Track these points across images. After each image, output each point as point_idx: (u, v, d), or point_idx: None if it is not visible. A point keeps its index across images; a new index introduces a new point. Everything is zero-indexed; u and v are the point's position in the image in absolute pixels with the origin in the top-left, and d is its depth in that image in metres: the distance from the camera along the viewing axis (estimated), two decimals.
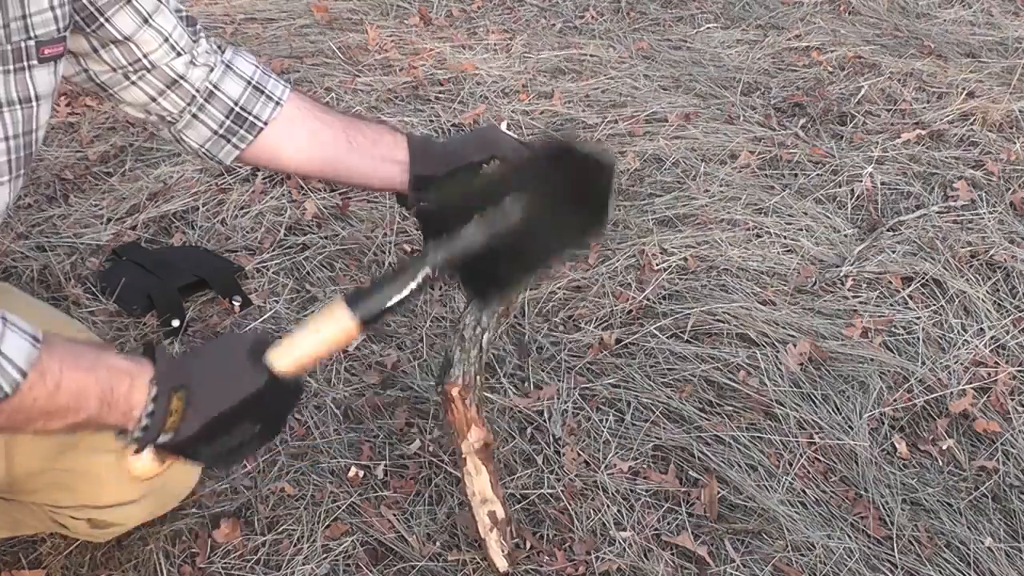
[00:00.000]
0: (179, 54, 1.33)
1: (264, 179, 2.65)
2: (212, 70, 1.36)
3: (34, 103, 1.17)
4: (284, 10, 3.81)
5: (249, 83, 1.39)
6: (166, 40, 1.31)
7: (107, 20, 1.26)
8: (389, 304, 1.18)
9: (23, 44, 1.13)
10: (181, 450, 1.10)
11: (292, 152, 1.43)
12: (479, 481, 1.53)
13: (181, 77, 1.34)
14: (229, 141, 1.40)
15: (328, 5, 3.85)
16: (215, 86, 1.37)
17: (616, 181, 1.28)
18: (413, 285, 1.18)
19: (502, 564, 1.59)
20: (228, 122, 1.38)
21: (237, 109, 1.38)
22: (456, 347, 1.47)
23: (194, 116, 1.37)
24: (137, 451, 1.09)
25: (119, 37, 1.27)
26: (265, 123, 1.40)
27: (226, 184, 2.62)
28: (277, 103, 1.40)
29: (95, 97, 1.39)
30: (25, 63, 1.14)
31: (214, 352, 1.17)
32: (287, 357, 1.14)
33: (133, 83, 1.33)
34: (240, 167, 2.66)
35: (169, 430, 1.08)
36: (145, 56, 1.30)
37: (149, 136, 2.84)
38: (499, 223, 1.20)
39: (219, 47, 1.40)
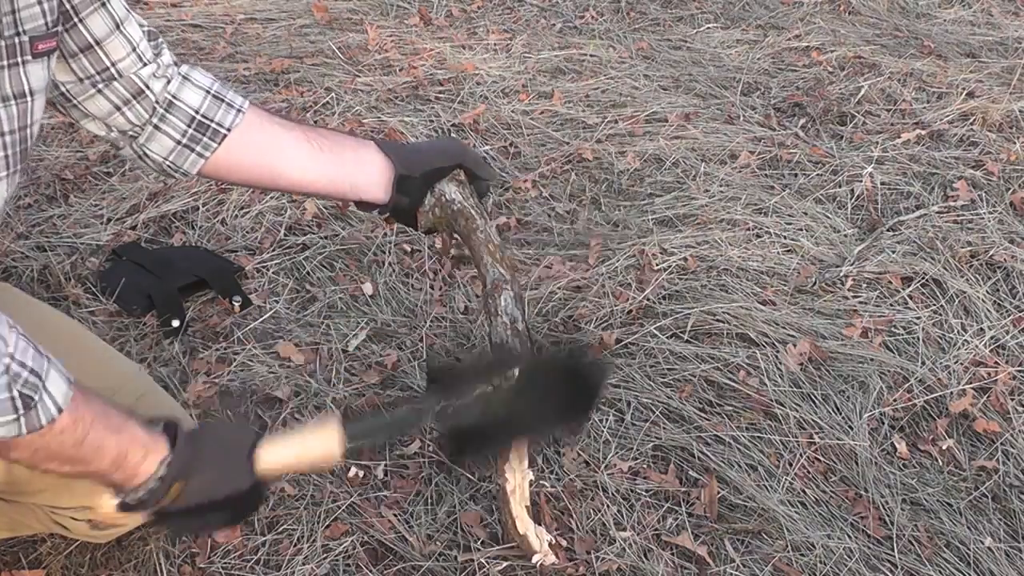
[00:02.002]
0: (145, 64, 1.33)
1: None
2: (170, 82, 1.37)
3: (28, 98, 1.17)
4: (284, 10, 3.81)
5: (208, 92, 1.39)
6: (134, 49, 1.31)
7: (81, 21, 1.26)
8: (376, 442, 1.36)
9: (16, 40, 1.13)
10: (157, 517, 1.17)
11: (258, 159, 1.43)
12: (521, 475, 1.54)
13: (146, 87, 1.34)
14: (193, 150, 1.39)
15: (328, 5, 3.85)
16: (174, 96, 1.37)
17: (603, 389, 1.45)
18: (403, 431, 1.37)
19: (551, 558, 1.62)
20: (191, 131, 1.37)
21: (199, 117, 1.38)
22: (512, 338, 1.47)
23: (156, 127, 1.37)
24: (120, 507, 1.15)
25: (91, 41, 1.27)
26: (228, 130, 1.39)
27: (226, 184, 2.62)
28: (239, 111, 1.40)
29: (53, 108, 1.38)
30: (19, 59, 1.14)
31: (222, 447, 1.22)
32: (272, 459, 1.20)
33: (99, 91, 1.32)
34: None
35: (158, 505, 1.15)
36: (113, 64, 1.30)
37: None
38: (496, 407, 1.28)
39: (175, 61, 1.41)
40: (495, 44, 3.63)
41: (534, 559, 1.61)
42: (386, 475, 1.81)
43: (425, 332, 2.15)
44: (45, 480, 1.43)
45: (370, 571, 1.63)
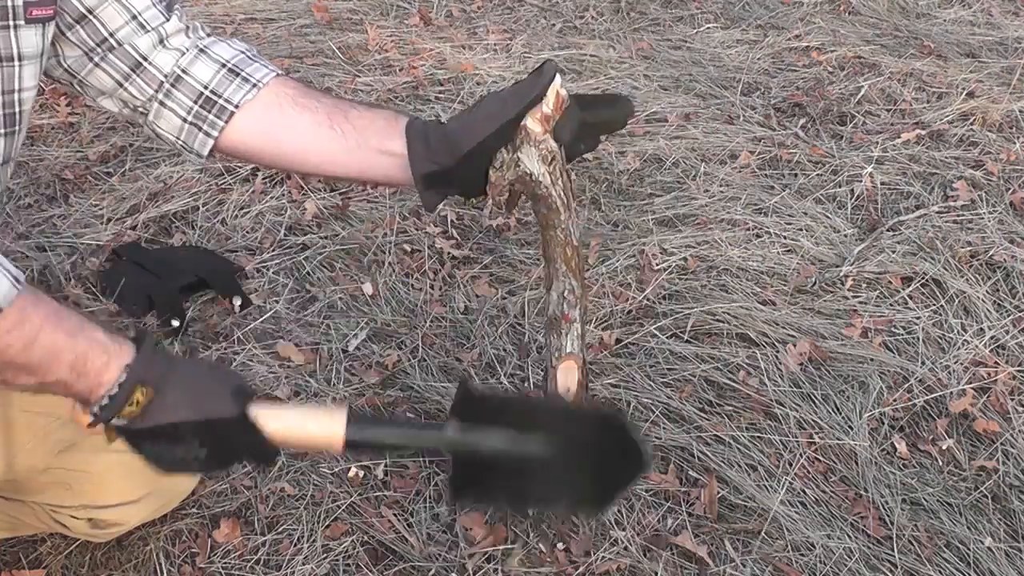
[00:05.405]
0: (147, 31, 1.25)
1: (264, 179, 2.65)
2: (183, 54, 1.28)
3: (16, 63, 1.15)
4: (284, 10, 3.81)
5: (224, 66, 1.29)
6: (135, 18, 1.24)
7: None
8: (383, 443, 1.20)
9: (9, 3, 1.11)
10: (128, 438, 1.10)
11: (266, 143, 1.32)
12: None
13: (144, 58, 1.27)
14: (200, 129, 1.29)
15: (328, 5, 3.85)
16: (184, 70, 1.28)
17: (637, 478, 1.27)
18: (414, 443, 1.20)
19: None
20: (196, 107, 1.28)
21: (207, 93, 1.28)
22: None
23: (161, 104, 1.29)
24: (91, 425, 1.08)
25: (83, 9, 1.22)
26: (236, 106, 1.29)
27: (226, 184, 2.62)
28: (254, 85, 1.29)
29: (64, 88, 1.31)
30: (11, 22, 1.12)
31: (202, 368, 1.15)
32: (268, 415, 1.11)
33: (97, 65, 1.26)
34: (240, 166, 2.67)
35: (124, 417, 1.07)
36: (111, 35, 1.24)
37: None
38: (521, 449, 1.14)
39: (199, 32, 1.32)
40: (495, 44, 3.63)
41: None
42: (386, 475, 1.81)
43: (425, 332, 2.15)
44: (46, 478, 1.43)
45: (370, 571, 1.63)
